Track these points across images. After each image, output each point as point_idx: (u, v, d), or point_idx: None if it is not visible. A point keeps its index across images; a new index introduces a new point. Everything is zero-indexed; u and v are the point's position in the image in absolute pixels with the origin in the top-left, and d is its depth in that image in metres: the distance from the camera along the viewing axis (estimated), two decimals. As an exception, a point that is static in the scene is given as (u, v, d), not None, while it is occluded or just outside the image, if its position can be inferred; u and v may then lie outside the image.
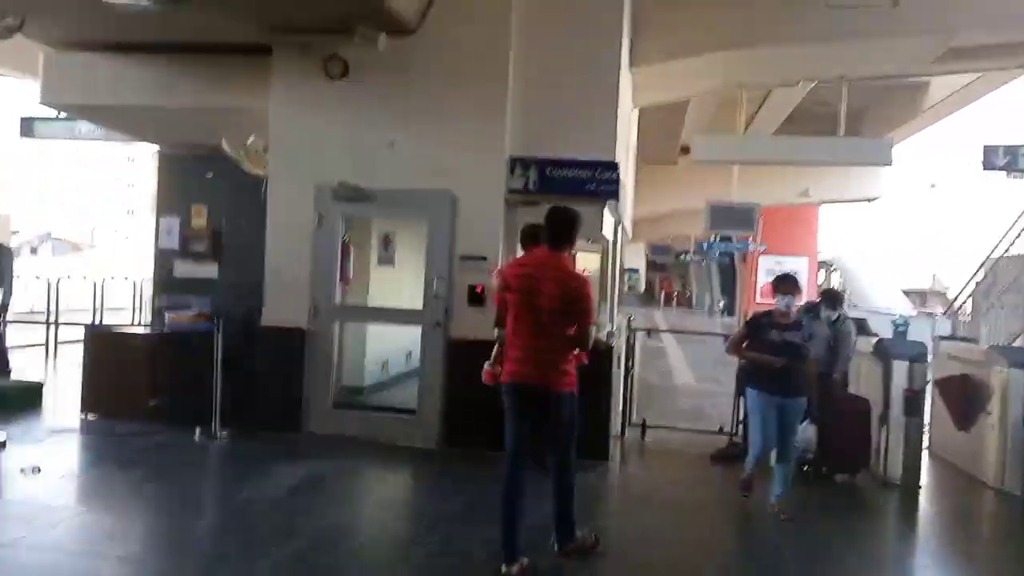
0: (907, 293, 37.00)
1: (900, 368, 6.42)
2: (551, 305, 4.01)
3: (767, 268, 28.26)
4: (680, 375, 12.85)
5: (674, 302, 46.74)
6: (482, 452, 6.35)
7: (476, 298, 6.56)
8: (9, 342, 10.86)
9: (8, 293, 8.56)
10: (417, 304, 6.71)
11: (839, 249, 39.89)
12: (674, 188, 24.28)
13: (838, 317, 6.72)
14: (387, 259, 7.14)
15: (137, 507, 4.99)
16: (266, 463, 5.88)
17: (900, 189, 26.01)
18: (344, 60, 6.60)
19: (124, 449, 6.13)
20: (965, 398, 7.01)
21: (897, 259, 42.09)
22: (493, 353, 4.59)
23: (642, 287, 50.57)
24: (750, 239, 24.81)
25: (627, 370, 7.58)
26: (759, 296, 28.61)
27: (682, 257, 36.49)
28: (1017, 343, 10.57)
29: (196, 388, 6.67)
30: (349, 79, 6.67)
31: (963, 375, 7.07)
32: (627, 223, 10.54)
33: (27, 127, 10.86)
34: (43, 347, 11.31)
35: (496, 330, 4.74)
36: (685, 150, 23.67)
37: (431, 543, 4.41)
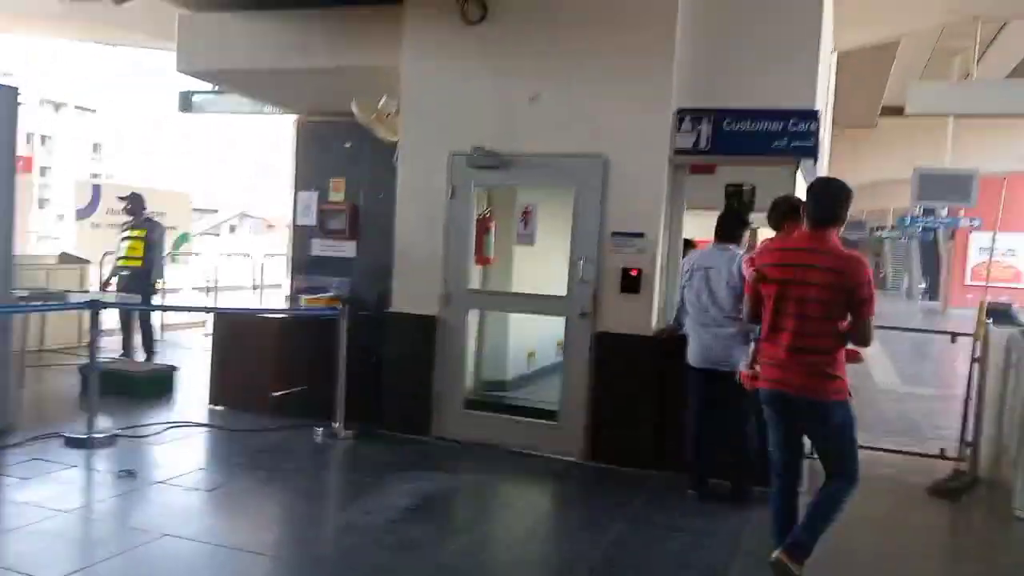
0: None
1: None
2: (823, 296, 3.38)
3: (980, 246, 24.64)
4: (880, 374, 10.90)
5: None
6: (632, 470, 5.27)
7: (630, 284, 5.39)
8: (172, 320, 11.03)
9: (158, 269, 8.36)
10: (560, 290, 5.64)
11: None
12: (871, 156, 21.45)
13: None
14: (526, 236, 6.11)
15: (230, 529, 4.31)
16: (384, 475, 5.06)
17: None
18: (482, 0, 5.64)
19: (237, 449, 5.56)
20: None
21: None
22: (750, 352, 4.05)
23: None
24: (961, 212, 21.70)
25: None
26: (968, 278, 25.15)
27: (877, 233, 32.85)
28: None
29: (322, 380, 6.01)
30: (488, 22, 5.68)
31: None
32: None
33: (185, 101, 10.66)
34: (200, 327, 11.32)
35: (750, 325, 4.09)
36: (889, 111, 20.93)
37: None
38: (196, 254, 16.76)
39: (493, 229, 6.67)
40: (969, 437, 5.74)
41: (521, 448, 5.64)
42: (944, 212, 22.47)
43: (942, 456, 5.84)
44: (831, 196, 3.53)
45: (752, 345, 4.03)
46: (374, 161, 6.89)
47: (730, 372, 4.67)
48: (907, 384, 10.31)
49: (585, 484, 5.22)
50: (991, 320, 5.84)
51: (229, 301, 12.53)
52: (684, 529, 4.38)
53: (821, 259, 3.40)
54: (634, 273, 5.37)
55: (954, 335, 5.96)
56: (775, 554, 3.44)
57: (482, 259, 6.66)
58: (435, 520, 4.45)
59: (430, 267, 5.95)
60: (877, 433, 6.99)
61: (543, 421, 5.74)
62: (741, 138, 5.24)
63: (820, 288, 3.39)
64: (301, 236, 7.67)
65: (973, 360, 5.75)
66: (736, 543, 4.24)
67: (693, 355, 4.88)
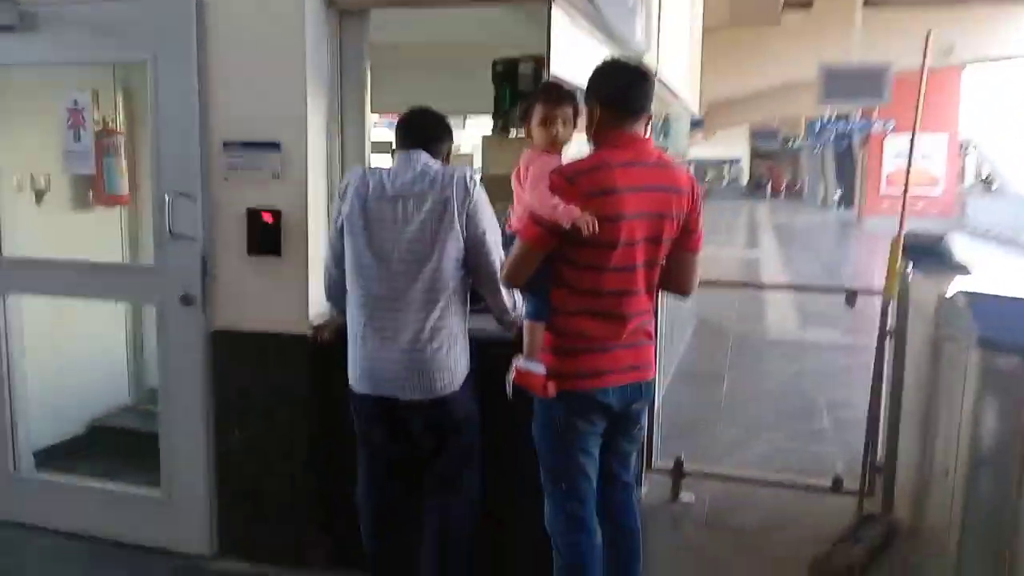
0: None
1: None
2: (672, 231, 2.24)
3: (896, 151, 22.79)
4: (775, 313, 8.71)
5: (782, 195, 41.46)
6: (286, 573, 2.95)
7: (265, 238, 2.88)
8: None
9: None
10: (145, 256, 3.09)
11: (980, 125, 33.24)
12: (777, 56, 19.26)
13: None
14: (79, 157, 3.43)
15: None
16: None
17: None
18: None
19: None
20: None
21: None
22: (534, 341, 2.23)
23: (744, 179, 45.47)
24: (875, 114, 19.76)
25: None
26: (884, 186, 23.45)
27: (791, 143, 31.06)
28: None
29: None
30: None
31: None
32: (683, 89, 6.39)
33: None
34: None
35: (522, 298, 2.38)
36: (793, 5, 18.65)
37: None
38: None
39: (123, 148, 4.04)
40: (880, 458, 3.52)
41: (116, 536, 3.19)
42: (857, 116, 20.58)
43: (836, 489, 3.60)
44: (650, 79, 2.28)
45: (531, 327, 2.26)
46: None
47: (446, 398, 2.44)
48: (809, 326, 8.12)
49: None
50: (911, 266, 3.48)
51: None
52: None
53: (674, 179, 2.23)
54: (269, 219, 2.86)
55: (852, 295, 3.62)
56: None
57: (106, 198, 4.06)
58: None
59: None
60: (755, 431, 4.77)
61: (145, 491, 3.24)
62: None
63: (674, 224, 2.23)
64: None
65: (884, 334, 3.46)
66: None
67: (361, 372, 2.46)
